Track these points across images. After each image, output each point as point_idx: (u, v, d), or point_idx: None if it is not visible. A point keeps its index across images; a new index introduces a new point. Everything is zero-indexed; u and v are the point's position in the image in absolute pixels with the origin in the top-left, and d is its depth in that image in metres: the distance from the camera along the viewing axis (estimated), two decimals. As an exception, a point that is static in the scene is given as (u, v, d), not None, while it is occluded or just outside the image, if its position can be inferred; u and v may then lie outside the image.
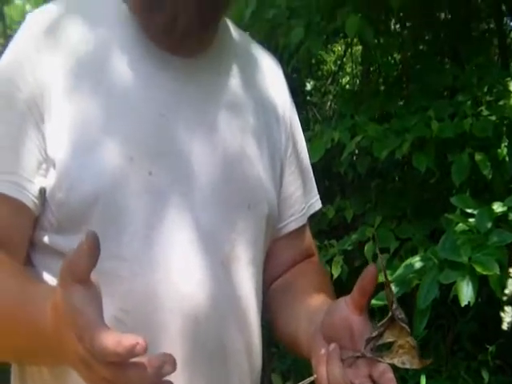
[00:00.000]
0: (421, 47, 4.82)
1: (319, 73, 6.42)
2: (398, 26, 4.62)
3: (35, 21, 1.35)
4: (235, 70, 1.47)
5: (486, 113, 3.27)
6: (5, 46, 1.34)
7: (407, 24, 4.50)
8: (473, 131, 3.16)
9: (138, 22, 1.36)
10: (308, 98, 6.30)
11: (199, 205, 1.32)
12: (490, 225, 2.41)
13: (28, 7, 6.46)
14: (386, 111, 3.73)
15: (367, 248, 3.46)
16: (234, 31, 1.54)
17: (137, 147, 1.28)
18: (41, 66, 1.28)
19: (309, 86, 6.29)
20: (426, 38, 4.80)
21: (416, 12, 4.35)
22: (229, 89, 1.43)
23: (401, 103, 4.19)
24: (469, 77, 3.54)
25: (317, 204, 1.62)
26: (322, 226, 4.07)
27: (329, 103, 6.73)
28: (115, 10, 1.38)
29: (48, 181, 1.26)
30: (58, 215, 1.27)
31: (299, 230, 1.58)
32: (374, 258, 3.45)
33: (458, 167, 3.14)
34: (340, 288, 3.43)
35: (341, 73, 6.14)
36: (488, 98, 3.37)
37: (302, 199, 1.58)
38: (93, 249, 0.93)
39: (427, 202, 3.78)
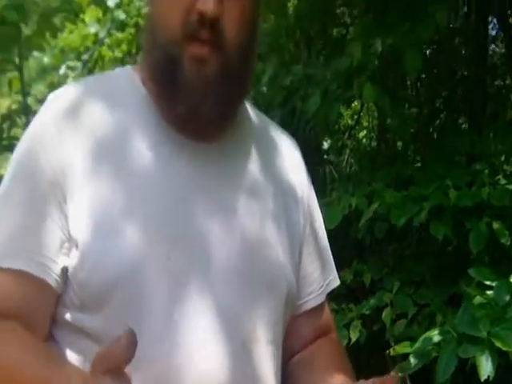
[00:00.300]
0: (437, 104, 4.86)
1: (336, 127, 6.46)
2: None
3: (56, 102, 1.39)
4: (254, 154, 1.50)
5: (503, 181, 3.29)
6: (26, 123, 1.37)
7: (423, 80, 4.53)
8: (490, 200, 3.17)
9: (157, 108, 1.40)
10: (325, 156, 6.34)
11: (219, 288, 1.33)
12: (508, 298, 2.41)
13: (46, 60, 6.53)
14: (403, 178, 3.74)
15: (385, 314, 3.46)
16: (252, 112, 1.57)
17: (156, 231, 1.30)
18: (63, 147, 1.31)
19: (326, 145, 6.32)
20: (443, 94, 4.85)
21: (432, 70, 4.40)
22: (248, 173, 1.46)
23: (418, 164, 4.22)
24: (486, 145, 3.56)
25: (335, 282, 1.63)
26: (339, 289, 4.06)
27: (346, 158, 6.77)
28: (135, 94, 1.42)
29: (70, 260, 1.28)
30: (80, 294, 1.29)
31: (318, 308, 1.60)
32: (393, 322, 3.45)
33: (476, 235, 3.15)
34: (357, 352, 3.41)
35: (357, 127, 6.17)
36: (505, 167, 3.38)
37: (321, 277, 1.59)
38: (130, 345, 0.95)
39: (445, 268, 3.77)
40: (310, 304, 1.58)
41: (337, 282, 1.64)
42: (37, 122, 1.38)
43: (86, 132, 1.34)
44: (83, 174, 1.30)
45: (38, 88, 9.36)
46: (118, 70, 1.51)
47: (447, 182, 3.29)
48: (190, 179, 1.37)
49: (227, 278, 1.34)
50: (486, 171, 3.34)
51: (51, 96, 1.41)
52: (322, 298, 1.60)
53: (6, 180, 1.35)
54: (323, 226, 1.64)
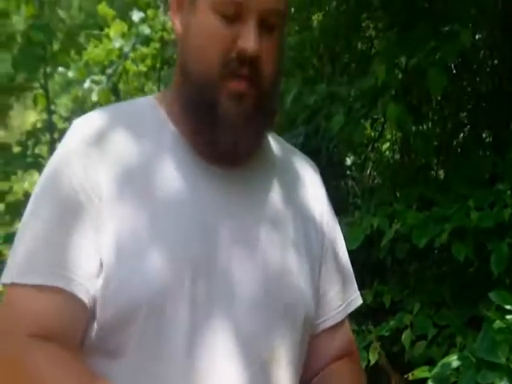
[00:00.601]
0: (461, 117, 4.85)
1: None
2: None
3: (83, 128, 1.39)
4: (275, 181, 1.50)
5: (526, 202, 3.27)
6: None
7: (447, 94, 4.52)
8: (512, 221, 3.16)
9: (185, 140, 1.41)
10: (348, 172, 6.35)
11: (240, 317, 1.33)
12: (528, 323, 2.40)
13: (70, 74, 6.57)
14: (424, 198, 3.74)
15: (405, 336, 3.44)
16: (272, 138, 1.58)
17: (180, 257, 1.31)
18: (92, 171, 1.32)
19: (349, 161, 6.33)
20: (467, 107, 4.84)
21: (457, 83, 4.39)
22: (270, 201, 1.46)
23: (441, 178, 4.19)
24: (509, 166, 3.54)
25: (357, 301, 1.62)
26: (360, 309, 4.06)
27: (368, 171, 6.76)
28: (160, 124, 1.42)
29: (99, 280, 1.29)
30: (104, 313, 1.29)
31: (337, 326, 1.58)
32: (412, 344, 3.44)
33: (497, 257, 3.13)
34: (376, 374, 3.40)
35: (380, 139, 6.17)
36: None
37: (340, 296, 1.58)
38: None
39: (466, 289, 3.76)
40: (328, 322, 1.56)
41: (359, 302, 1.62)
42: (64, 147, 1.38)
43: (113, 159, 1.35)
44: (111, 199, 1.31)
45: (62, 101, 9.45)
46: (142, 100, 1.52)
47: (469, 202, 3.28)
48: (216, 206, 1.38)
49: (248, 308, 1.35)
50: (509, 192, 3.32)
51: (77, 122, 1.42)
52: (342, 317, 1.58)
53: (34, 201, 1.35)
54: (344, 247, 1.63)
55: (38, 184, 1.36)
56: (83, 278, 1.28)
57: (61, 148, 1.39)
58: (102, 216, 1.30)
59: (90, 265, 1.29)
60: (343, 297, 1.58)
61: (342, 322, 1.59)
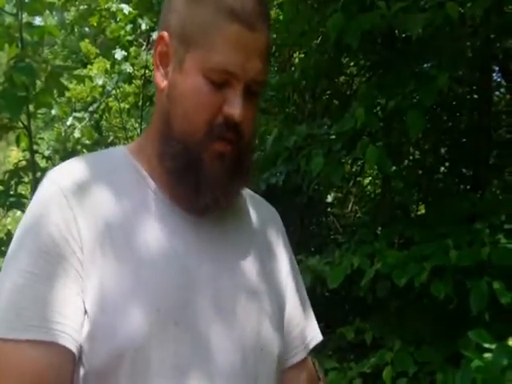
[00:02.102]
0: (442, 151, 4.91)
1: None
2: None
3: (61, 179, 1.40)
4: (244, 225, 1.57)
5: (504, 241, 3.31)
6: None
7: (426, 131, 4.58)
8: (491, 259, 3.19)
9: (162, 191, 1.45)
10: (329, 209, 6.39)
11: (217, 380, 1.37)
12: (506, 361, 2.43)
13: (53, 112, 6.52)
14: (404, 236, 3.79)
15: (386, 372, 3.47)
16: None
17: (163, 304, 1.34)
18: (72, 224, 1.34)
19: (330, 198, 6.38)
20: (447, 143, 4.90)
21: (436, 119, 4.44)
22: (240, 244, 1.52)
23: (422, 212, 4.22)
24: (487, 204, 3.60)
25: (317, 337, 1.69)
26: (341, 344, 4.09)
27: (350, 206, 6.81)
28: (136, 175, 1.46)
29: (84, 330, 1.32)
30: (91, 361, 1.32)
31: (303, 362, 1.65)
32: (393, 381, 3.46)
33: (476, 295, 3.17)
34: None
35: (362, 174, 6.24)
36: (506, 226, 3.41)
37: (303, 333, 1.65)
38: None
39: (446, 326, 3.79)
40: (295, 359, 1.62)
41: (319, 338, 1.70)
42: (43, 198, 1.39)
43: (93, 212, 1.37)
44: (92, 251, 1.33)
45: (45, 135, 9.43)
46: (118, 151, 1.54)
47: (448, 241, 3.32)
48: (195, 253, 1.42)
49: (225, 377, 1.39)
50: (487, 230, 3.37)
51: (55, 173, 1.43)
52: (306, 352, 1.65)
53: (15, 252, 1.36)
54: (302, 282, 1.70)
55: (18, 233, 1.37)
56: (72, 329, 1.30)
57: (39, 199, 1.40)
58: (84, 268, 1.32)
59: (77, 315, 1.31)
60: (306, 334, 1.65)
61: (307, 357, 1.65)
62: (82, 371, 1.33)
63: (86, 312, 1.31)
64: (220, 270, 1.44)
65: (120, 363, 1.30)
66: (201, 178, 1.39)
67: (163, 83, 1.44)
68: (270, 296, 1.53)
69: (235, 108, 1.37)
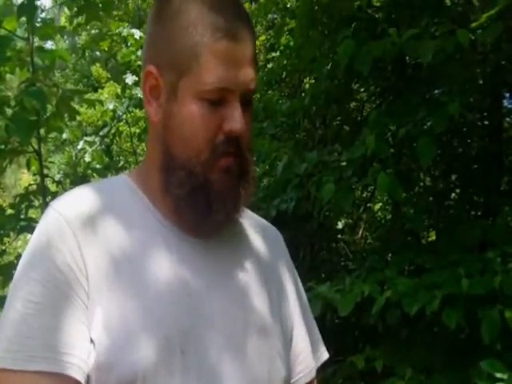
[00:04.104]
0: (453, 178, 4.89)
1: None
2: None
3: (64, 210, 1.39)
4: (250, 248, 1.57)
5: (515, 269, 3.29)
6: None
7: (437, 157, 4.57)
8: (503, 288, 3.17)
9: (165, 219, 1.45)
10: (339, 235, 6.37)
11: None
12: (519, 393, 2.41)
13: (64, 135, 6.54)
14: (415, 263, 3.76)
15: (397, 402, 3.44)
16: None
17: (170, 332, 1.33)
18: (77, 253, 1.33)
19: (340, 225, 6.36)
20: (458, 169, 4.88)
21: (447, 146, 4.43)
22: (242, 266, 1.51)
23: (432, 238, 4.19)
24: (499, 232, 3.58)
25: (323, 356, 1.69)
26: (351, 372, 4.06)
27: (361, 232, 6.78)
28: (140, 205, 1.45)
29: (91, 359, 1.30)
30: None
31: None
32: (405, 412, 3.43)
33: (488, 324, 3.15)
34: None
35: (373, 199, 6.22)
36: (516, 252, 3.40)
37: (310, 356, 1.64)
38: None
39: (457, 355, 3.76)
40: (301, 381, 1.61)
41: (325, 356, 1.69)
42: (48, 228, 1.38)
43: (97, 242, 1.36)
44: (98, 280, 1.33)
45: (56, 159, 9.46)
46: (119, 181, 1.53)
47: (459, 269, 3.30)
48: (198, 275, 1.42)
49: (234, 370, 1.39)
50: (499, 259, 3.35)
51: (59, 203, 1.41)
52: (313, 375, 1.64)
53: (21, 282, 1.34)
54: (308, 305, 1.70)
55: (21, 262, 1.36)
56: (79, 359, 1.29)
57: (42, 228, 1.39)
58: (89, 296, 1.32)
59: (84, 345, 1.30)
60: (313, 356, 1.65)
61: (312, 380, 1.65)
62: None
63: (91, 341, 1.30)
64: (229, 299, 1.44)
65: None
66: (212, 198, 1.40)
67: (157, 116, 1.44)
68: (280, 329, 1.52)
69: (236, 122, 1.38)
